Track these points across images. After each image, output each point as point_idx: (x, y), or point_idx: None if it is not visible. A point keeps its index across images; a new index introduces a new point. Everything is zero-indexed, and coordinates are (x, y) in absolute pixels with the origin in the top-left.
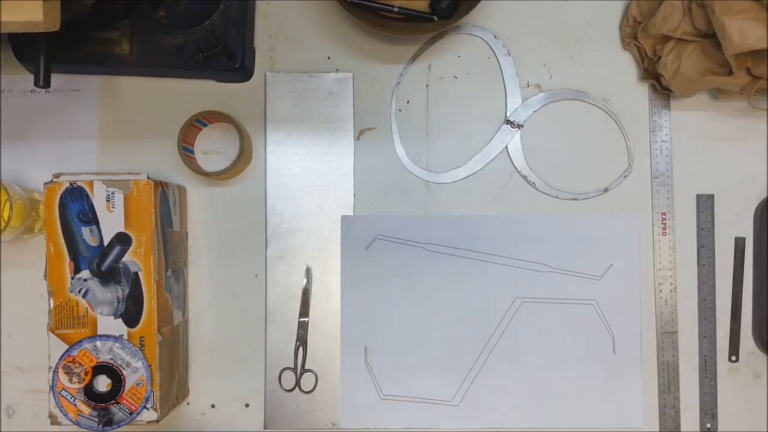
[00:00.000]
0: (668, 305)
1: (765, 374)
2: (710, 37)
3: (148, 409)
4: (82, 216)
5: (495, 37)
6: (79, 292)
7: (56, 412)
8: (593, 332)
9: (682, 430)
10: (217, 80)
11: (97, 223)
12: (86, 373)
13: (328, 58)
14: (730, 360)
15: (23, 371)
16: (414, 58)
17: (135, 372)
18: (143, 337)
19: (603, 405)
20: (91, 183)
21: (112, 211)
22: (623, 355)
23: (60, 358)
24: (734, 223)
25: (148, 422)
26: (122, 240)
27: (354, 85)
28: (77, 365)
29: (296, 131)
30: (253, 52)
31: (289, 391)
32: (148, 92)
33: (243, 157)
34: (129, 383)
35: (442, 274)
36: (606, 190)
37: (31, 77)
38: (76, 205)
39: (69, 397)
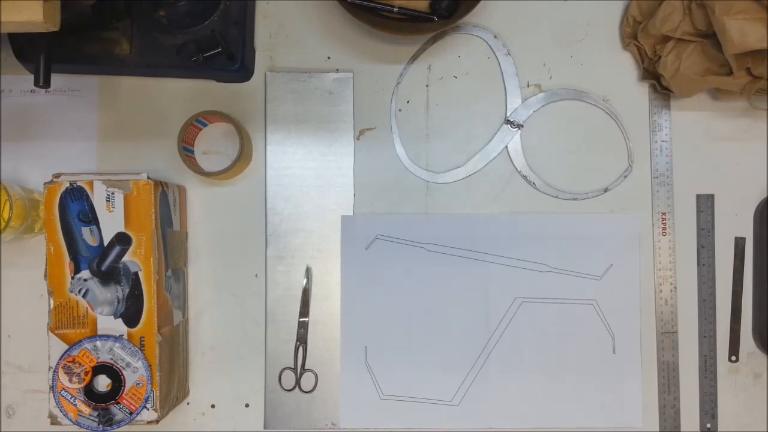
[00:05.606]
0: (668, 305)
1: (765, 374)
2: (710, 37)
3: (148, 409)
4: (82, 216)
5: (495, 37)
6: (79, 292)
7: (56, 412)
8: (593, 332)
9: (682, 430)
10: (217, 80)
11: (97, 223)
12: (86, 373)
13: (328, 58)
14: (730, 360)
15: (23, 371)
16: (414, 58)
17: (135, 372)
18: (143, 337)
19: (603, 405)
20: (91, 183)
21: (112, 211)
22: (623, 355)
23: (60, 358)
24: (734, 223)
25: (148, 422)
26: (122, 240)
27: (354, 85)
28: (77, 365)
29: (296, 131)
30: (253, 52)
31: (289, 391)
32: (148, 92)
33: (243, 157)
34: (129, 383)
35: (442, 274)
36: (606, 190)
37: (31, 77)
38: (76, 205)
39: (69, 397)
